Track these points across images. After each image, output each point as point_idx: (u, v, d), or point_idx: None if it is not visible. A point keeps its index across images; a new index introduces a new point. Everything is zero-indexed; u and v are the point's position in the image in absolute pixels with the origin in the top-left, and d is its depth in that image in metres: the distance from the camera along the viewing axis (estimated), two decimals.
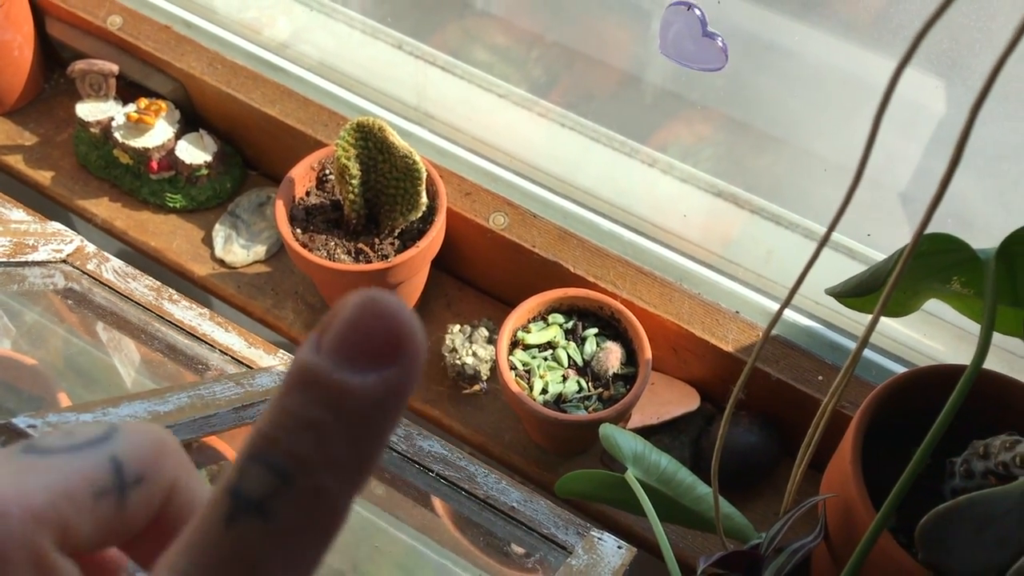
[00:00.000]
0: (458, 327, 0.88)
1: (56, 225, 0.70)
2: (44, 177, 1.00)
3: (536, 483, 0.83)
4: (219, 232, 0.95)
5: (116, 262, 0.69)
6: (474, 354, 0.86)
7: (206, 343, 0.65)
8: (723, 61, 0.62)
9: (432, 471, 0.62)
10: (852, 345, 0.82)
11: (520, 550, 0.59)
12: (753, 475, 0.82)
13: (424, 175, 0.80)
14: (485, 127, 1.02)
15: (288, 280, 0.94)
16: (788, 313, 0.83)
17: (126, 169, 0.97)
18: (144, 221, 0.97)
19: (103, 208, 0.98)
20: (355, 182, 0.81)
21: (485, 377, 0.86)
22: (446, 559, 0.66)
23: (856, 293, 0.58)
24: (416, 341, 0.19)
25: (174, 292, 0.67)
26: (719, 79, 0.99)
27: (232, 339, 0.66)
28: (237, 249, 0.94)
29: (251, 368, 0.64)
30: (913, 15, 0.78)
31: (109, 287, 0.67)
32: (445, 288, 0.94)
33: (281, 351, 0.70)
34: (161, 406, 0.49)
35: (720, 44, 0.62)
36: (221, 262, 0.94)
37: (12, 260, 0.65)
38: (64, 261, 0.68)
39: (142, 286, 0.67)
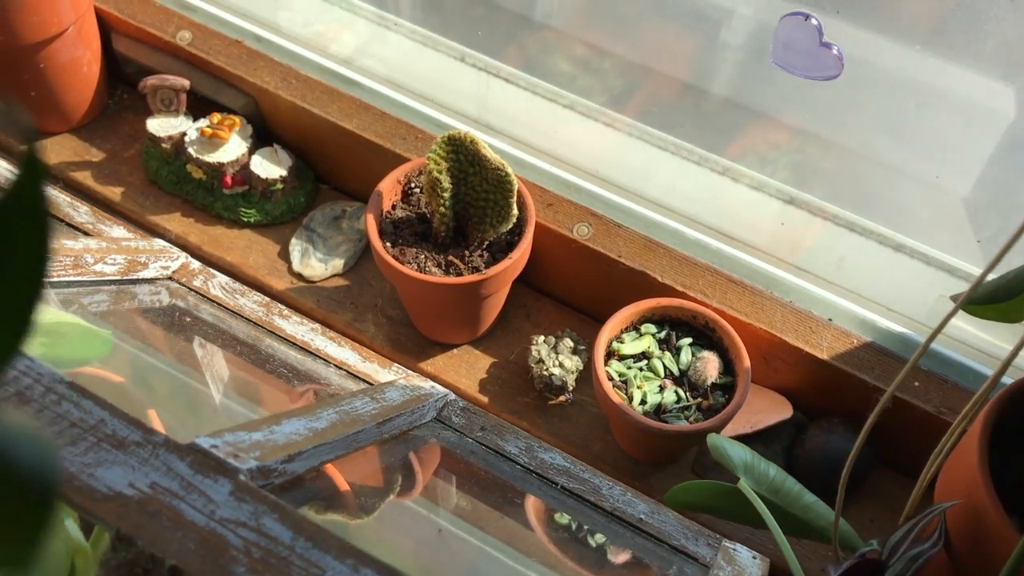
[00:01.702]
0: (542, 338, 0.88)
1: (160, 242, 0.69)
2: (114, 193, 0.99)
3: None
4: (295, 246, 0.95)
5: (222, 278, 0.68)
6: (561, 364, 0.85)
7: (320, 358, 0.65)
8: (839, 69, 0.63)
9: (556, 483, 0.61)
10: (944, 351, 0.83)
11: (655, 564, 0.59)
12: (850, 482, 0.81)
13: (516, 187, 0.80)
14: (549, 137, 1.02)
15: (367, 293, 0.94)
16: (880, 320, 0.84)
17: (198, 184, 0.97)
18: (218, 236, 0.96)
19: (175, 223, 0.97)
20: (446, 195, 0.81)
21: (571, 388, 0.86)
22: None
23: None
24: None
25: (284, 307, 0.67)
26: (790, 88, 0.99)
27: (346, 353, 0.66)
28: (314, 263, 0.94)
29: (367, 382, 0.64)
30: (975, 22, 0.78)
31: (217, 303, 0.67)
32: (522, 298, 0.94)
33: (396, 365, 0.69)
34: (316, 423, 0.49)
35: (836, 52, 0.62)
36: (299, 276, 0.94)
37: (126, 278, 0.64)
38: (170, 278, 0.68)
39: (251, 302, 0.67)
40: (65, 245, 0.60)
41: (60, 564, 0.45)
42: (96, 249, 0.62)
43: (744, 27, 1.02)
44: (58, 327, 0.52)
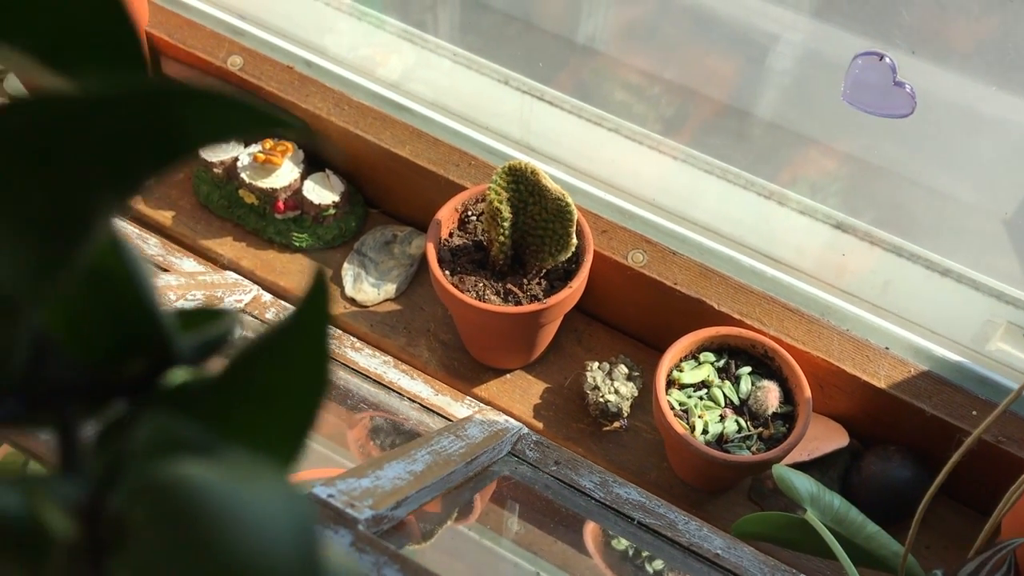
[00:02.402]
0: (596, 364, 0.88)
1: (233, 276, 0.70)
2: (165, 217, 1.00)
3: None
4: (348, 271, 0.96)
5: None
6: (616, 391, 0.86)
7: (394, 391, 0.65)
8: (912, 107, 0.63)
9: (632, 519, 0.62)
10: (1000, 379, 0.83)
11: None
12: (903, 510, 0.82)
13: (576, 217, 0.81)
14: (593, 161, 1.02)
15: (419, 317, 0.94)
16: (938, 349, 0.84)
17: (250, 209, 0.98)
18: (270, 260, 0.97)
19: (228, 248, 0.98)
20: (506, 225, 0.81)
21: (626, 414, 0.86)
22: None
23: None
24: None
25: (356, 340, 0.67)
26: (838, 114, 1.00)
27: (419, 386, 0.66)
28: (367, 288, 0.94)
29: (441, 415, 0.65)
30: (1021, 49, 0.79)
31: None
32: (574, 324, 0.95)
33: (468, 398, 0.70)
34: (414, 465, 0.50)
35: (908, 91, 0.63)
36: (352, 301, 0.94)
37: None
38: (243, 311, 0.69)
39: None
40: None
41: None
42: (176, 286, 0.62)
43: (791, 52, 1.03)
44: None
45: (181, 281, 0.63)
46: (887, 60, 0.62)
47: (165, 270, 0.68)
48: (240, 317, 0.71)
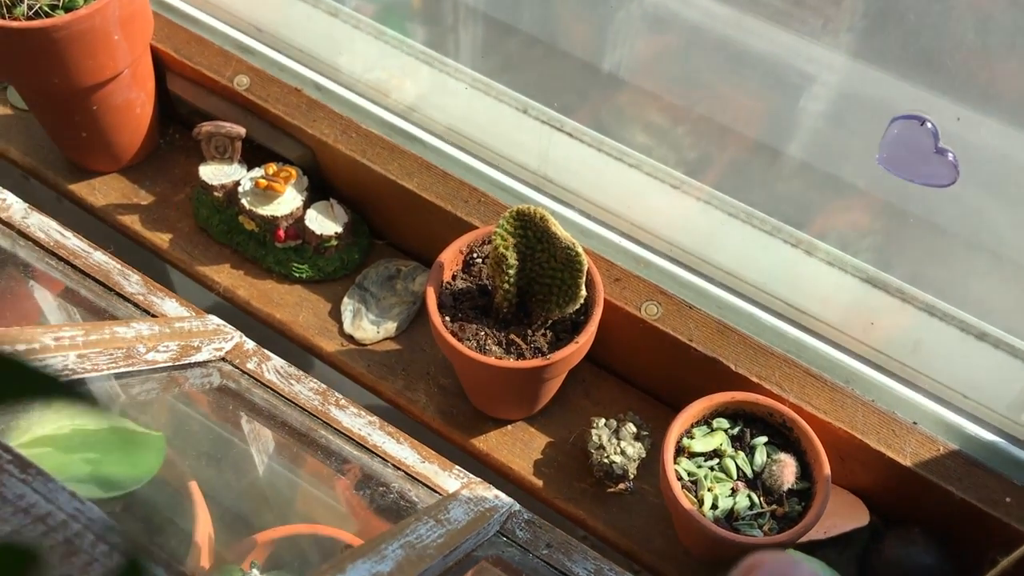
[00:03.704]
0: (603, 421, 0.83)
1: (215, 320, 0.66)
2: (162, 240, 0.96)
3: None
4: (347, 306, 0.91)
5: (278, 361, 0.65)
6: (622, 452, 0.81)
7: (377, 455, 0.61)
8: (954, 176, 0.58)
9: None
10: None
11: None
12: None
13: (586, 267, 0.76)
14: (612, 197, 0.97)
15: (419, 360, 0.89)
16: (970, 426, 0.78)
17: (250, 236, 0.94)
18: (268, 291, 0.93)
19: (224, 275, 0.94)
20: (511, 272, 0.77)
21: (632, 476, 0.81)
22: None
23: None
24: None
25: (340, 397, 0.63)
26: (874, 162, 0.94)
27: (404, 452, 0.62)
28: (367, 325, 0.90)
29: (427, 485, 0.60)
30: None
31: (271, 388, 0.63)
32: (582, 375, 0.90)
33: (456, 467, 0.65)
34: (382, 566, 0.45)
35: (951, 159, 0.57)
36: (350, 338, 0.90)
37: (178, 364, 0.61)
38: (223, 359, 0.64)
39: (307, 389, 0.63)
40: (117, 334, 0.56)
41: None
42: (148, 336, 0.58)
43: (827, 94, 0.97)
44: (107, 436, 0.48)
45: (155, 331, 0.59)
46: (928, 125, 0.56)
47: (145, 311, 0.64)
48: (220, 366, 0.67)
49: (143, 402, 0.59)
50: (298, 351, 0.91)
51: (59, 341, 0.52)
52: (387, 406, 0.88)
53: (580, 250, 0.75)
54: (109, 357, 0.55)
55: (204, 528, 0.76)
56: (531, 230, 0.76)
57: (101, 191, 1.00)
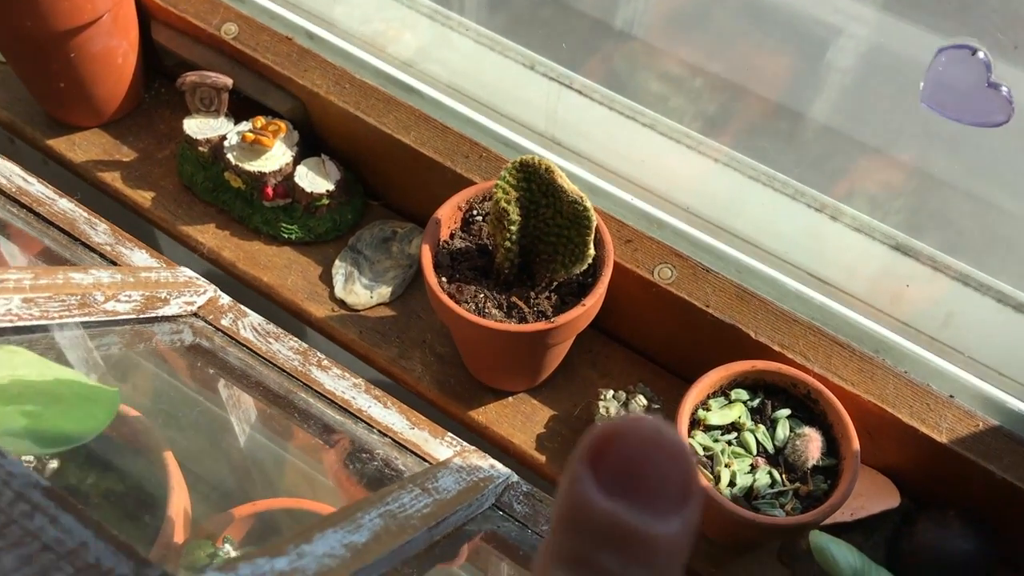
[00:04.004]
0: (611, 393, 0.77)
1: (187, 272, 0.60)
2: (144, 198, 0.91)
3: None
4: (339, 269, 0.85)
5: (255, 318, 0.59)
6: None
7: (361, 420, 0.55)
8: (1008, 113, 0.51)
9: None
10: None
11: None
12: None
13: (594, 224, 0.69)
14: (626, 160, 0.91)
15: (415, 326, 0.84)
16: (1012, 401, 0.72)
17: (237, 194, 0.88)
18: (255, 253, 0.87)
19: (209, 236, 0.88)
20: (514, 228, 0.70)
21: None
22: None
23: None
24: (698, 475, 0.17)
25: (323, 357, 0.57)
26: (906, 121, 0.88)
27: (392, 417, 0.56)
28: (359, 289, 0.84)
29: (416, 453, 0.54)
30: None
31: (247, 347, 0.58)
32: (589, 343, 0.83)
33: (449, 435, 0.59)
34: (356, 535, 0.39)
35: (1005, 94, 0.51)
36: (341, 303, 0.84)
37: (142, 316, 0.55)
38: (195, 315, 0.59)
39: (286, 348, 0.58)
40: (72, 280, 0.51)
41: None
42: (108, 284, 0.52)
43: (855, 48, 0.90)
44: (52, 388, 0.43)
45: (116, 279, 0.53)
46: (981, 55, 0.50)
47: (112, 262, 0.58)
48: (192, 322, 0.61)
49: (105, 358, 0.54)
50: (286, 317, 0.85)
51: (3, 283, 0.47)
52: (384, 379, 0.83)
53: (588, 205, 0.69)
54: (61, 304, 0.49)
55: (179, 501, 0.70)
56: (535, 183, 0.70)
57: (81, 147, 0.94)
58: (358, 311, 0.84)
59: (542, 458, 0.77)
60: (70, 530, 0.33)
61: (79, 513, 0.34)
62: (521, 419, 0.79)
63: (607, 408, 0.76)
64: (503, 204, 0.69)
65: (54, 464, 0.75)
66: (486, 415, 0.79)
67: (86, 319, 0.51)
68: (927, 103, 0.53)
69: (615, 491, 0.18)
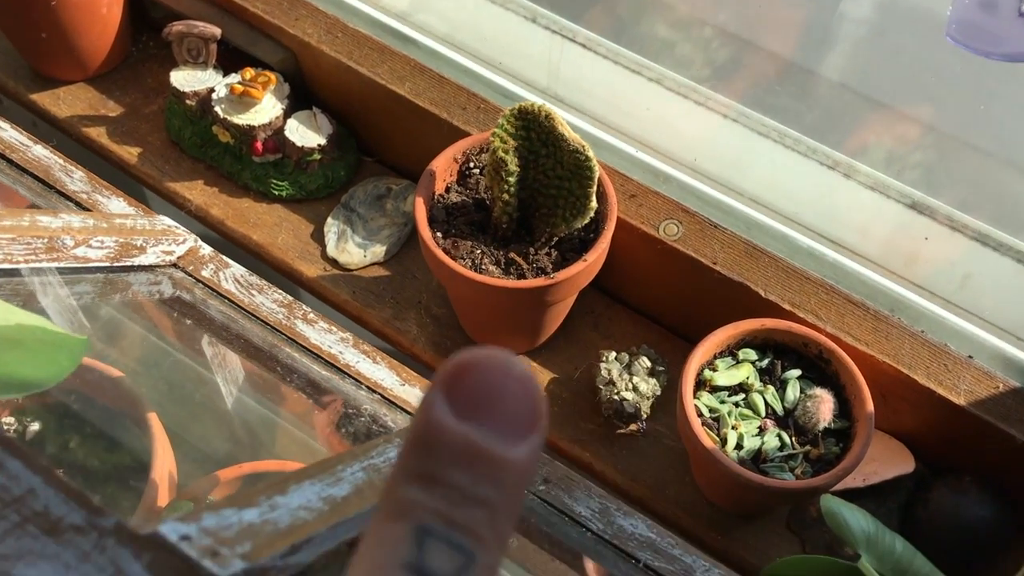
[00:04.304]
0: (614, 355, 0.74)
1: (165, 220, 0.57)
2: (130, 154, 0.87)
3: (709, 549, 0.69)
4: (332, 227, 0.82)
5: (237, 269, 0.56)
6: (634, 388, 0.72)
7: (349, 376, 0.52)
8: None
9: (638, 560, 0.48)
10: None
11: None
12: (977, 556, 0.67)
13: (597, 175, 0.66)
14: (630, 116, 0.88)
15: (410, 286, 0.80)
16: None
17: (225, 149, 0.85)
18: (244, 210, 0.84)
19: (197, 193, 0.85)
20: (512, 179, 0.67)
21: (645, 415, 0.72)
22: None
23: None
24: (546, 407, 0.20)
25: (309, 311, 0.54)
26: (926, 75, 0.84)
27: (381, 373, 0.53)
28: (352, 248, 0.81)
29: (407, 410, 0.51)
30: None
31: (229, 299, 0.55)
32: (591, 304, 0.80)
33: None
34: (335, 488, 0.36)
35: None
36: (333, 262, 0.81)
37: (116, 264, 0.52)
38: (175, 265, 0.56)
39: (270, 301, 0.54)
40: (38, 223, 0.47)
41: None
42: (79, 229, 0.49)
43: None
44: (13, 333, 0.40)
45: (88, 224, 0.50)
46: None
47: (87, 209, 0.55)
48: (171, 272, 0.58)
49: (78, 308, 0.51)
50: (277, 277, 0.82)
51: None
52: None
53: (591, 154, 0.66)
54: (26, 247, 0.46)
55: (164, 463, 0.68)
56: (535, 131, 0.66)
57: (66, 101, 0.90)
58: (351, 271, 0.81)
59: None
60: (16, 475, 0.31)
61: (26, 457, 0.31)
62: None
63: (609, 370, 0.73)
64: (501, 154, 0.66)
65: (36, 427, 0.73)
66: None
67: (55, 264, 0.48)
68: (952, 37, 0.50)
69: (466, 415, 0.19)
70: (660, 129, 0.86)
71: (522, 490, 0.20)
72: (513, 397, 0.19)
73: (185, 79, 0.85)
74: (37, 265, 0.46)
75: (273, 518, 0.33)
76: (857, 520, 0.57)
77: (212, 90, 0.84)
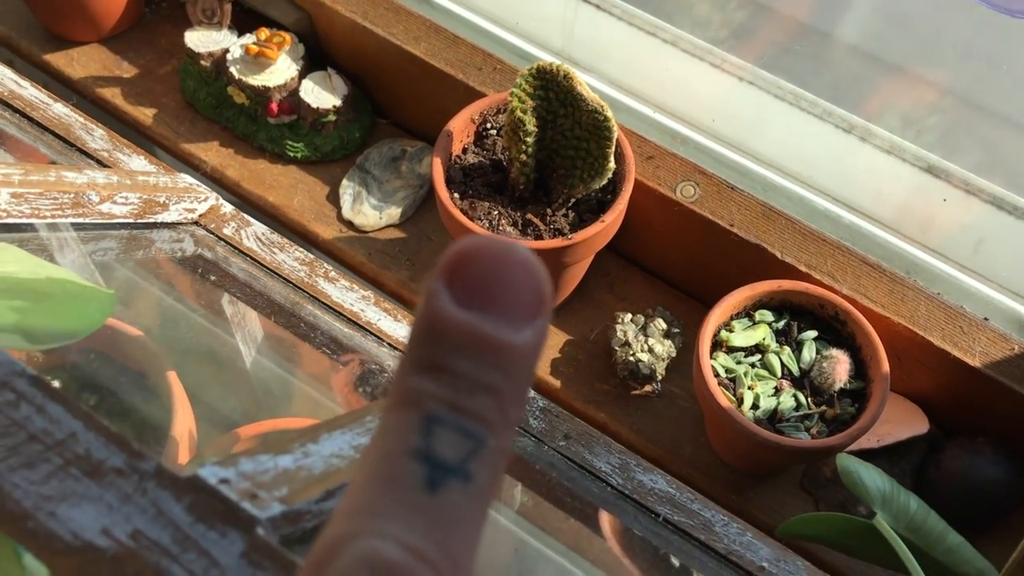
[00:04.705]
0: (629, 316, 0.74)
1: (187, 179, 0.57)
2: (145, 115, 0.87)
3: (722, 507, 0.69)
4: (347, 189, 0.82)
5: (259, 227, 0.56)
6: (650, 350, 0.72)
7: (371, 333, 0.52)
8: None
9: (657, 514, 0.49)
10: None
11: None
12: (990, 516, 0.68)
13: (615, 135, 0.66)
14: (646, 78, 0.87)
15: (426, 248, 0.81)
16: None
17: (240, 110, 0.84)
18: (260, 172, 0.84)
19: (212, 154, 0.85)
20: (530, 140, 0.67)
21: (660, 377, 0.73)
22: None
23: None
24: (551, 290, 0.19)
25: (330, 268, 0.54)
26: (944, 38, 0.83)
27: (403, 330, 0.53)
28: (368, 210, 0.81)
29: None
30: None
31: (251, 257, 0.55)
32: (607, 266, 0.81)
33: None
34: (366, 438, 0.37)
35: None
36: (349, 224, 0.81)
37: (140, 221, 0.52)
38: (196, 223, 0.56)
39: (292, 259, 0.55)
40: (64, 178, 0.48)
41: None
42: (104, 185, 0.49)
43: None
44: (44, 285, 0.40)
45: (112, 180, 0.50)
46: None
47: (108, 167, 0.56)
48: (193, 230, 0.58)
49: (103, 265, 0.51)
50: (293, 239, 0.83)
51: None
52: None
53: (609, 114, 0.65)
54: (53, 202, 0.46)
55: (183, 422, 0.68)
56: (553, 91, 0.66)
57: (80, 62, 0.90)
58: (366, 232, 0.81)
59: (557, 383, 0.75)
60: (58, 420, 0.31)
61: (68, 403, 0.31)
62: None
63: (624, 332, 0.73)
64: (518, 113, 0.66)
65: (56, 384, 0.73)
66: None
67: (80, 220, 0.48)
68: None
69: (470, 304, 0.19)
70: (677, 91, 0.86)
71: (529, 375, 0.20)
72: (516, 283, 0.19)
73: (200, 40, 0.84)
74: (63, 220, 0.47)
75: (307, 464, 0.34)
76: (873, 478, 0.58)
77: (227, 51, 0.83)
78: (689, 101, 0.85)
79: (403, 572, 0.17)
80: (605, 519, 0.54)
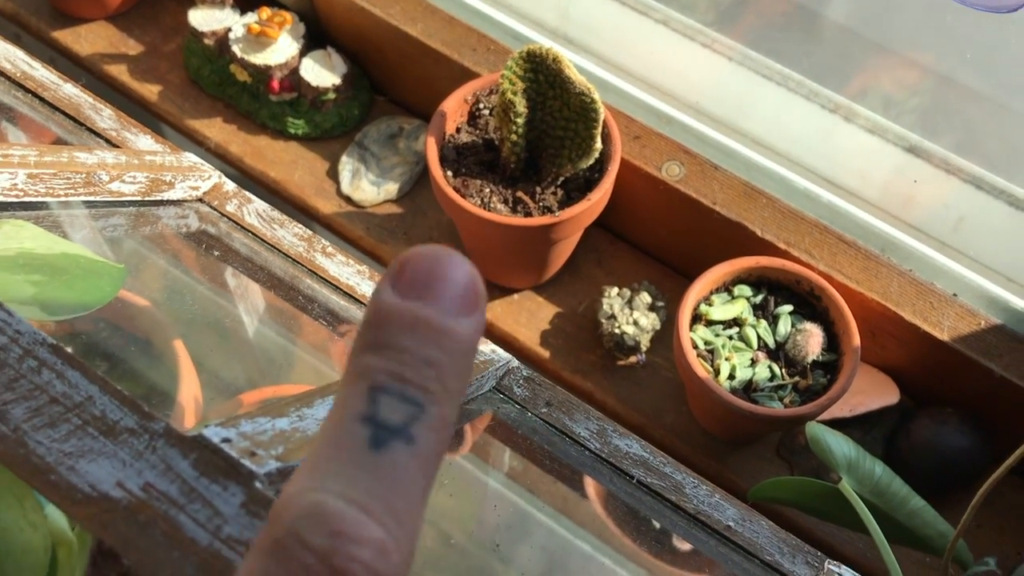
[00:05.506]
0: (616, 290, 0.78)
1: (191, 157, 0.60)
2: (150, 92, 0.90)
3: (703, 474, 0.73)
4: (346, 165, 0.85)
5: (260, 204, 0.59)
6: (635, 322, 0.75)
7: (366, 306, 0.55)
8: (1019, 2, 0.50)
9: (631, 476, 0.52)
10: None
11: None
12: (955, 483, 0.71)
13: (602, 117, 0.69)
14: (637, 57, 0.90)
15: (422, 223, 0.84)
16: (1015, 300, 0.72)
17: (243, 88, 0.87)
18: (262, 148, 0.87)
19: (216, 130, 0.88)
20: (520, 120, 0.70)
21: (644, 348, 0.76)
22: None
23: None
24: (483, 289, 0.22)
25: (328, 244, 0.58)
26: (928, 19, 0.85)
27: None
28: (366, 186, 0.84)
29: None
30: None
31: (252, 233, 0.58)
32: (595, 242, 0.84)
33: None
34: None
35: None
36: (348, 199, 0.84)
37: (148, 199, 0.55)
38: (200, 200, 0.59)
39: (291, 235, 0.58)
40: (76, 159, 0.51)
41: (38, 558, 0.38)
42: (113, 164, 0.52)
43: None
44: (59, 260, 0.43)
45: (121, 160, 0.53)
46: None
47: (116, 146, 0.59)
48: (197, 207, 0.61)
49: (112, 240, 0.54)
50: (294, 213, 0.86)
51: (7, 158, 0.47)
52: None
53: (596, 97, 0.68)
54: (66, 182, 0.49)
55: (189, 388, 0.72)
56: (543, 74, 0.69)
57: (87, 39, 0.93)
58: (365, 208, 0.84)
59: (546, 354, 0.78)
60: (76, 384, 0.34)
61: (85, 369, 0.35)
62: (526, 316, 0.80)
63: (611, 305, 0.76)
64: (509, 95, 0.69)
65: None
66: (491, 311, 0.80)
67: (92, 198, 0.51)
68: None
69: (412, 295, 0.21)
70: (665, 70, 0.88)
71: (467, 358, 0.21)
72: (452, 281, 0.21)
73: (203, 18, 0.87)
74: (76, 198, 0.50)
75: (302, 427, 0.37)
76: (839, 445, 0.61)
77: (230, 30, 0.86)
78: (677, 80, 0.87)
79: (344, 522, 0.19)
80: (589, 483, 0.57)
